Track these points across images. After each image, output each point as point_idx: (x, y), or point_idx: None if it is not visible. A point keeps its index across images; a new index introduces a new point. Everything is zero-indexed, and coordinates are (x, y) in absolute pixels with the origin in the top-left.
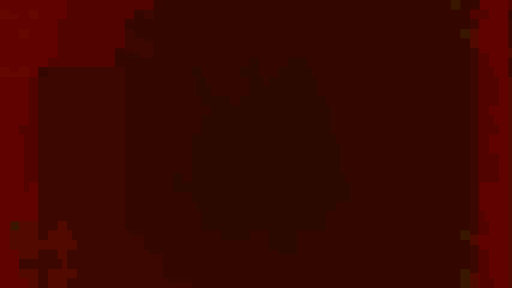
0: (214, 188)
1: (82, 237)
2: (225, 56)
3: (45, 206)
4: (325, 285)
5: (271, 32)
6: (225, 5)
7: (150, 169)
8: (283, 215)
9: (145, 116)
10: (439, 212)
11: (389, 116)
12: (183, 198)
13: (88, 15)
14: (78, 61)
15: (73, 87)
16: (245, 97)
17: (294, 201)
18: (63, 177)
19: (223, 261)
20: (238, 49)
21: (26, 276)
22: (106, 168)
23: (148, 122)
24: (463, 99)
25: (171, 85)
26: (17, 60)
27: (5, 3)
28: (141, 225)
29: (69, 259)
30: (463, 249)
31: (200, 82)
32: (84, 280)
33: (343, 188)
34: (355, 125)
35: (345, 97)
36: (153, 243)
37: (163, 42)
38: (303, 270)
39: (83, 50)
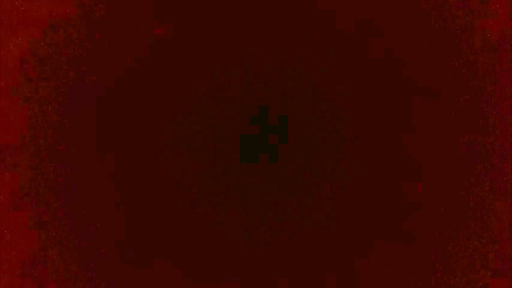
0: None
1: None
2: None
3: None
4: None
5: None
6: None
7: (148, 171)
8: (286, 217)
9: (144, 118)
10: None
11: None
12: (184, 200)
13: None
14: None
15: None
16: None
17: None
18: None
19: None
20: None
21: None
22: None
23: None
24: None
25: (169, 88)
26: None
27: None
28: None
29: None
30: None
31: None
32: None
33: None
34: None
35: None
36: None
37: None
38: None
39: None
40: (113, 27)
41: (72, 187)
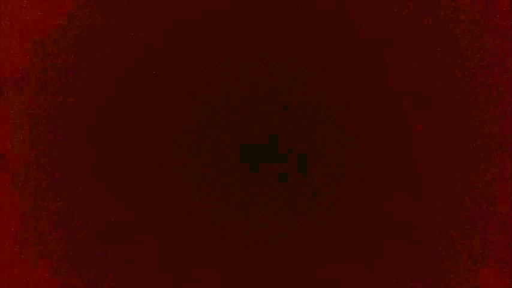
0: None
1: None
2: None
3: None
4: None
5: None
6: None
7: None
8: (287, 220)
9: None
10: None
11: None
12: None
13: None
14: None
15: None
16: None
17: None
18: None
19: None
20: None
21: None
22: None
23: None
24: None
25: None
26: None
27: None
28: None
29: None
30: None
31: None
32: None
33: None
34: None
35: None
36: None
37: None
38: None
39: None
40: (113, 27)
41: (68, 184)
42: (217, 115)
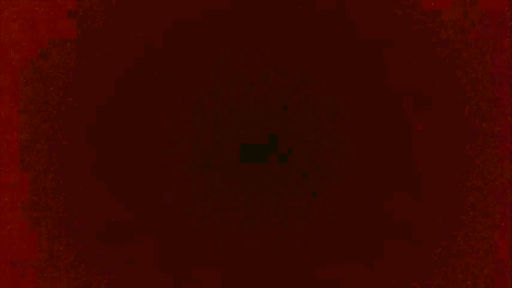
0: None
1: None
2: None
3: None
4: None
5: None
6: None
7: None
8: (287, 221)
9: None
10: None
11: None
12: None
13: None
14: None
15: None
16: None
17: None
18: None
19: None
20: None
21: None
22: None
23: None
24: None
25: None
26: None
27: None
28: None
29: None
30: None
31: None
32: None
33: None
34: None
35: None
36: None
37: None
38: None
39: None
40: (113, 27)
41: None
42: (217, 115)
